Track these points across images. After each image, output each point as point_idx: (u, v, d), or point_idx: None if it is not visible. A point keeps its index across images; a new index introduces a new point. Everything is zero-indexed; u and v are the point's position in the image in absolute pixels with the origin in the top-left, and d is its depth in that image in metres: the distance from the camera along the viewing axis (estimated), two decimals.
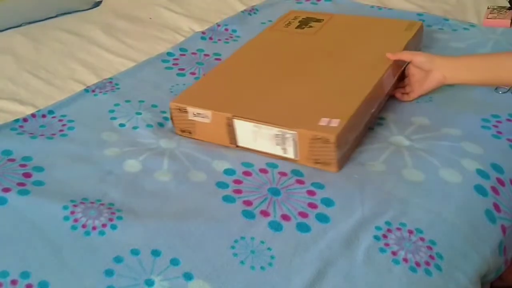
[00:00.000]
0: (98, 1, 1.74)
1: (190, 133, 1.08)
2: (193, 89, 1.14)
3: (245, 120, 1.01)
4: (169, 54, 1.40)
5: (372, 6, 1.65)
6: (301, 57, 1.23)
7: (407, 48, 1.24)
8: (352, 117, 0.99)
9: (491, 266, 0.88)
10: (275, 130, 0.99)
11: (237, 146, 1.05)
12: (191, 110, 1.06)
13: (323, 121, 0.97)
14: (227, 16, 1.61)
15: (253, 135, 1.02)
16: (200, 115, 1.05)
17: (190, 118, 1.07)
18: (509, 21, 1.51)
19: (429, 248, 0.84)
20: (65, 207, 0.90)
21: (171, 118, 1.10)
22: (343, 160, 0.99)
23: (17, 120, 1.13)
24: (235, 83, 1.15)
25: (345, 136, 0.97)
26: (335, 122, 0.97)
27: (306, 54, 1.25)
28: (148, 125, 1.12)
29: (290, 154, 1.00)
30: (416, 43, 1.31)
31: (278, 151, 1.01)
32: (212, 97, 1.09)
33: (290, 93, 1.09)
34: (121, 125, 1.12)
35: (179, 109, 1.07)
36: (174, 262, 0.81)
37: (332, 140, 0.94)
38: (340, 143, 0.95)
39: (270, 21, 1.52)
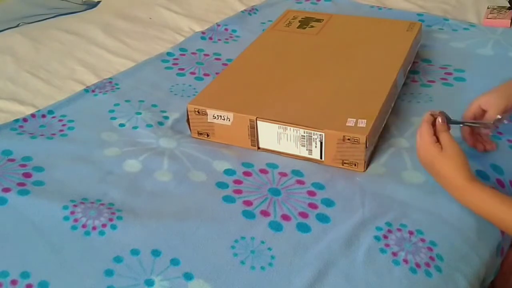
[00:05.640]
0: (98, 1, 1.74)
1: (208, 135, 1.07)
2: (209, 91, 1.11)
3: (270, 122, 1.01)
4: (169, 54, 1.40)
5: (372, 6, 1.65)
6: (309, 57, 1.23)
7: (411, 48, 1.25)
8: (377, 117, 0.99)
9: (489, 268, 0.88)
10: (301, 131, 0.99)
11: (259, 148, 1.05)
12: (211, 112, 1.04)
13: (350, 122, 0.97)
14: (227, 16, 1.61)
15: (277, 137, 1.01)
16: (220, 118, 1.03)
17: (209, 121, 1.05)
18: (509, 21, 1.51)
19: (430, 249, 0.83)
20: (65, 207, 0.90)
21: (188, 121, 1.08)
22: (369, 161, 1.00)
23: (17, 120, 1.13)
24: (250, 84, 1.13)
25: (372, 136, 0.97)
26: (362, 123, 0.97)
27: (314, 54, 1.24)
28: (148, 125, 1.11)
29: (316, 155, 1.00)
30: (416, 43, 1.32)
31: (303, 152, 1.01)
32: (230, 99, 1.08)
33: (309, 93, 1.09)
34: (121, 125, 1.12)
35: (198, 112, 1.05)
36: (174, 262, 0.81)
37: (362, 141, 0.95)
38: (368, 143, 0.96)
39: (270, 21, 1.51)
